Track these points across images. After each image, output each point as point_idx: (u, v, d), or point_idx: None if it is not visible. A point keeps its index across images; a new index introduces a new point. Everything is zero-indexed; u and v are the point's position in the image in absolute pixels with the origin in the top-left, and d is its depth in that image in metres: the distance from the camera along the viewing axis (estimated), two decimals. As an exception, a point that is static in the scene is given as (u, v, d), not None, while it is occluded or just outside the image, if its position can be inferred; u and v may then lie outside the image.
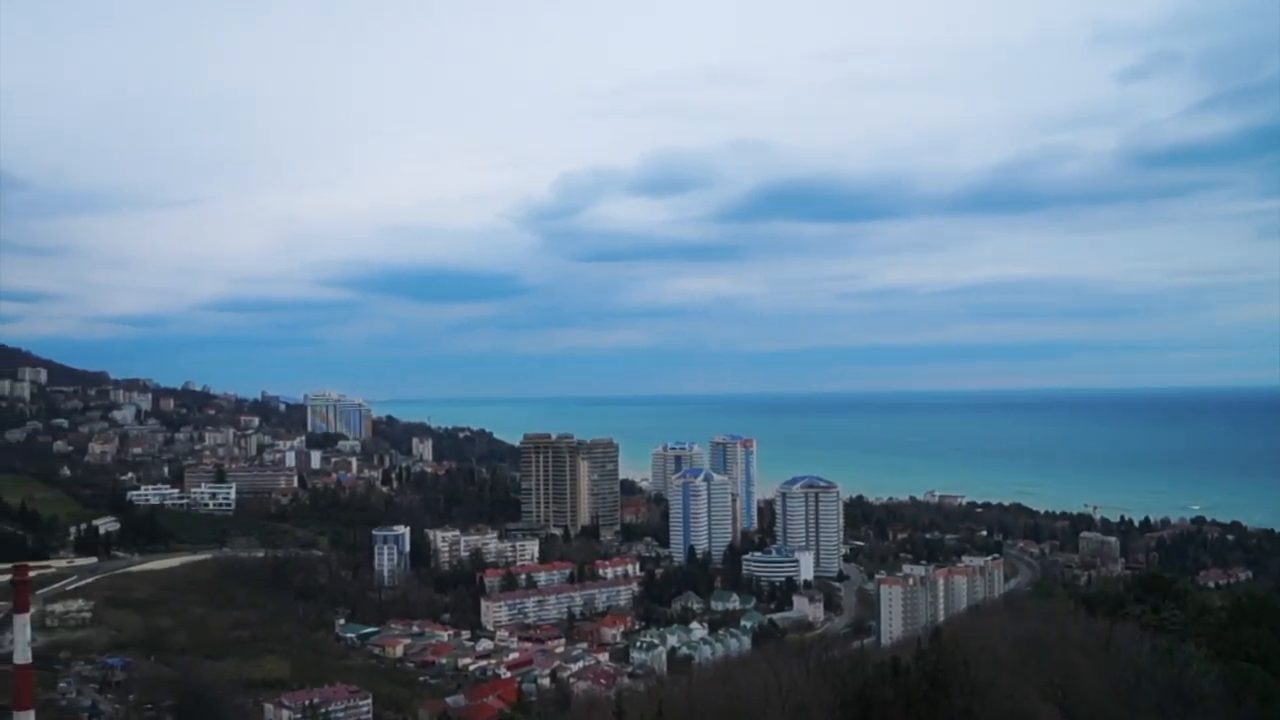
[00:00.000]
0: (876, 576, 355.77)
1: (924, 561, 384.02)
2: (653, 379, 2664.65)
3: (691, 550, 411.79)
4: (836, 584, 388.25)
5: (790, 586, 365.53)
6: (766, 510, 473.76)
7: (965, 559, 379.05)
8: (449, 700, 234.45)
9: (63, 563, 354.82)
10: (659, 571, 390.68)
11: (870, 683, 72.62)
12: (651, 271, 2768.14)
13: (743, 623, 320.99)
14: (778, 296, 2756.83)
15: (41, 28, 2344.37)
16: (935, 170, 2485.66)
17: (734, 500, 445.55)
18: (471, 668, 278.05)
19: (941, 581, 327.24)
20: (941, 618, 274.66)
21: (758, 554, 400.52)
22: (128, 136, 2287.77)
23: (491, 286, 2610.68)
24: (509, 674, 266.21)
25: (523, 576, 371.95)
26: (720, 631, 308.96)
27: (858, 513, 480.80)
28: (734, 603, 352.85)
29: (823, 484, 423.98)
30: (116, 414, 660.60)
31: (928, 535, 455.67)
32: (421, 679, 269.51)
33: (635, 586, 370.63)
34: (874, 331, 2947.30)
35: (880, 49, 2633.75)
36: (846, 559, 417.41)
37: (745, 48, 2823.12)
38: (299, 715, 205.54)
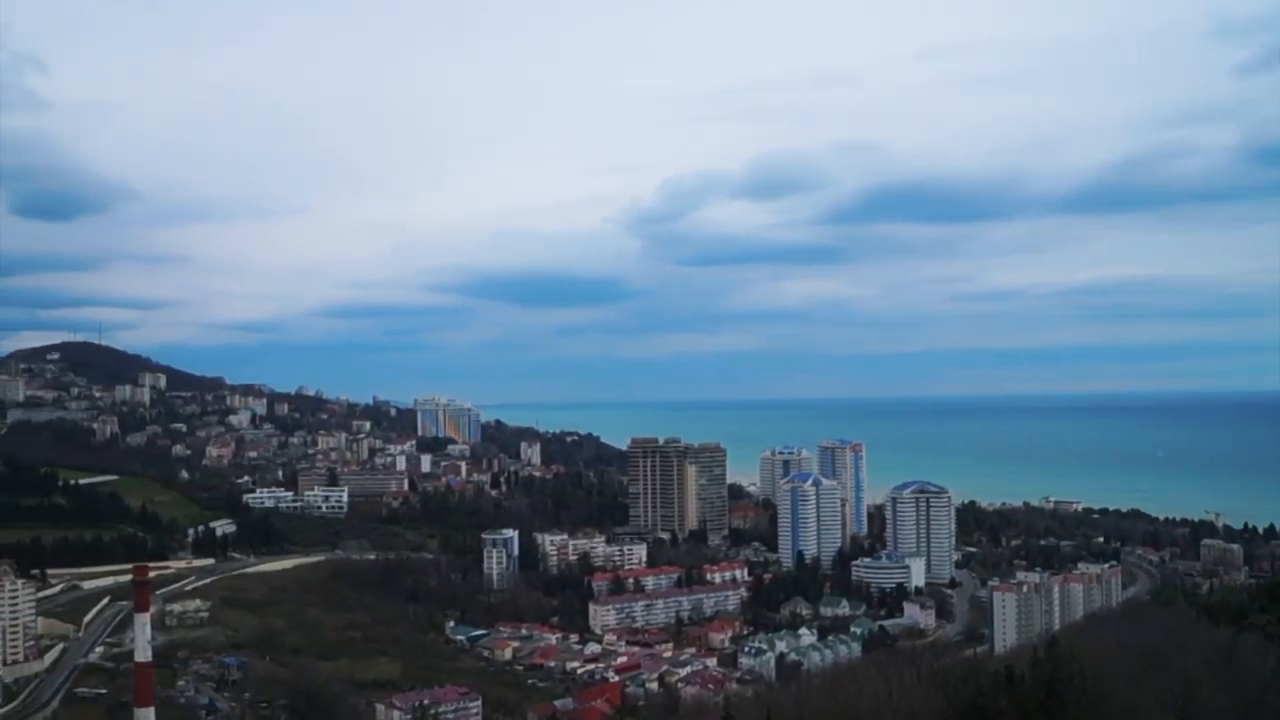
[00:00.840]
0: (990, 583, 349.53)
1: (1039, 568, 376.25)
2: (759, 383, 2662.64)
3: (800, 555, 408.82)
4: (948, 590, 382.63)
5: (901, 593, 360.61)
6: (876, 515, 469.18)
7: (1081, 566, 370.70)
8: (557, 703, 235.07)
9: (181, 563, 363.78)
10: (767, 576, 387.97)
11: (984, 691, 70.95)
12: (757, 275, 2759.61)
13: (852, 629, 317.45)
14: (885, 299, 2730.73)
15: (149, 44, 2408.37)
16: (1046, 169, 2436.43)
17: (843, 505, 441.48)
18: (580, 671, 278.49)
19: (1057, 589, 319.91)
20: (1057, 626, 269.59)
21: (868, 559, 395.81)
22: (240, 146, 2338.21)
23: (598, 291, 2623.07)
24: (617, 678, 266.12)
25: (630, 580, 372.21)
26: (830, 638, 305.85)
27: (970, 518, 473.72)
28: (844, 609, 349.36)
29: (934, 489, 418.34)
30: (233, 418, 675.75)
31: (1042, 541, 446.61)
32: (530, 681, 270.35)
33: (743, 591, 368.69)
34: (983, 334, 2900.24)
35: (988, 45, 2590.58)
36: (958, 565, 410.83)
37: (849, 48, 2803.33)
38: (410, 716, 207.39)
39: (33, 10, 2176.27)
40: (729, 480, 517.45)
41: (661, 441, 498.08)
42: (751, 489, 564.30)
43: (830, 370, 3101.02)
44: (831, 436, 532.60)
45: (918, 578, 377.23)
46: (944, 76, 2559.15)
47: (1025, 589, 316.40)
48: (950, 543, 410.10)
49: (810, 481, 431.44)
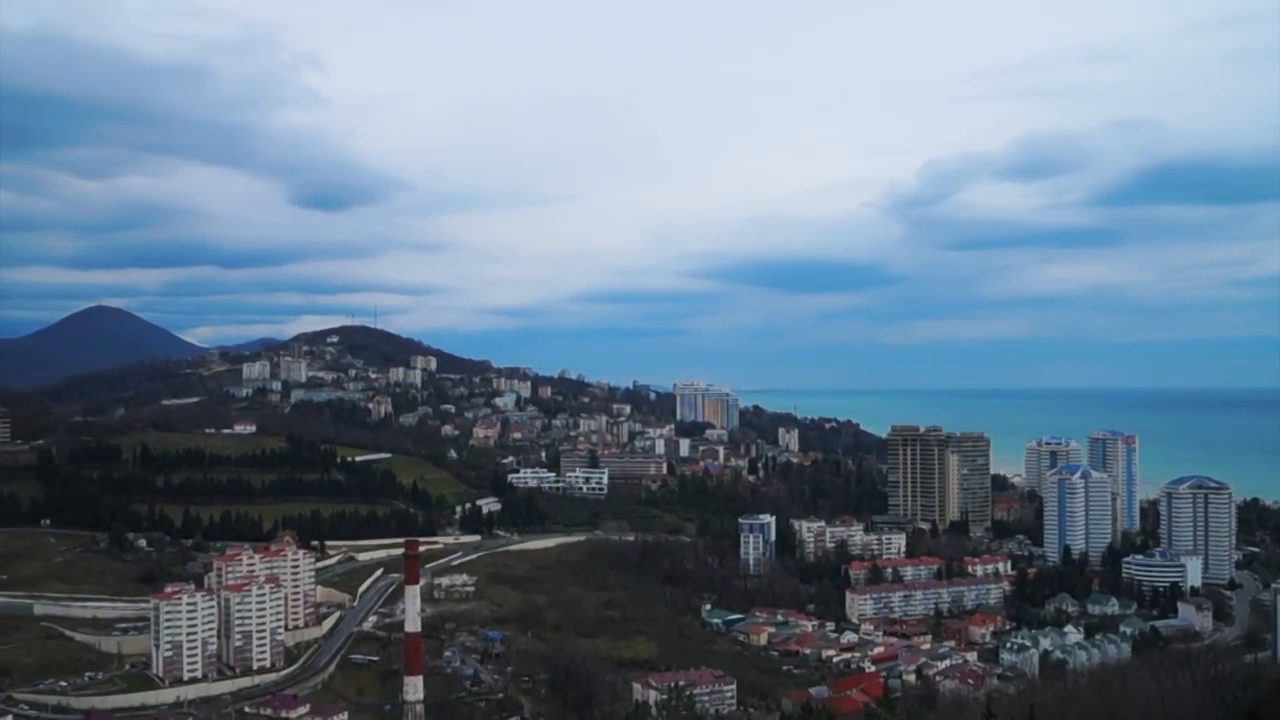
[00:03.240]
0: (1273, 585, 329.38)
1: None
2: (1025, 371, 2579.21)
3: (1066, 550, 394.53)
4: (1227, 592, 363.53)
5: (1175, 593, 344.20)
6: (1149, 511, 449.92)
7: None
8: (812, 691, 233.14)
9: (449, 539, 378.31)
10: (1031, 571, 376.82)
11: (1264, 700, 66.52)
12: (1022, 259, 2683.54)
13: (1121, 628, 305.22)
14: (1159, 284, 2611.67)
15: (419, 41, 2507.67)
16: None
17: (1113, 499, 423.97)
18: (835, 659, 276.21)
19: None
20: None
21: (1139, 557, 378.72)
22: (507, 137, 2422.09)
23: (857, 276, 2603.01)
24: (873, 668, 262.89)
25: (889, 570, 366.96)
26: (1097, 636, 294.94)
27: (1252, 516, 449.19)
28: (1112, 607, 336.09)
29: (1213, 484, 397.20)
30: (498, 400, 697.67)
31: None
32: (785, 668, 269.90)
33: (1006, 586, 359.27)
34: (1267, 321, 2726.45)
35: (1270, 15, 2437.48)
36: (1239, 565, 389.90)
37: (1123, 21, 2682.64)
38: (665, 696, 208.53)
39: (311, 12, 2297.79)
40: (992, 471, 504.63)
41: (922, 430, 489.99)
42: (1016, 480, 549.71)
43: (1100, 358, 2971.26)
44: (1102, 427, 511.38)
45: (1193, 577, 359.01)
46: (1224, 49, 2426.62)
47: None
48: (1230, 541, 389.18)
49: (1079, 474, 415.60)
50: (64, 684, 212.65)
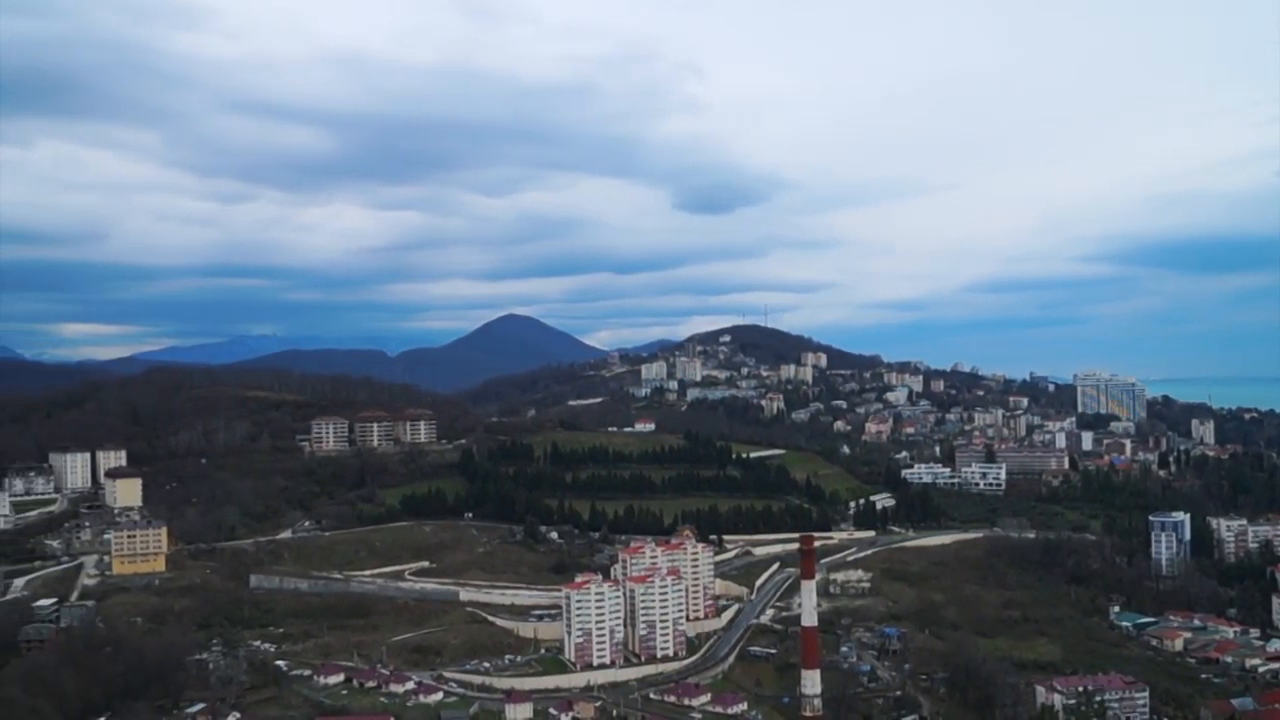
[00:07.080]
0: None
1: None
2: None
3: None
4: None
5: None
6: None
7: None
8: (1235, 702, 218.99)
9: (843, 535, 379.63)
10: None
11: None
12: None
13: None
14: None
15: (796, 37, 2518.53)
16: None
17: None
18: (1261, 669, 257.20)
19: None
20: None
21: None
22: (884, 131, 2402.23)
23: (1274, 252, 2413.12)
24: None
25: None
26: None
27: None
28: None
29: None
30: (890, 395, 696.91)
31: None
32: (1203, 676, 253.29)
33: None
34: None
35: None
36: None
37: None
38: (1072, 700, 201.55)
39: (687, 21, 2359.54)
40: None
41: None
42: None
43: None
44: None
45: None
46: None
47: None
48: None
49: None
50: (487, 665, 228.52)
